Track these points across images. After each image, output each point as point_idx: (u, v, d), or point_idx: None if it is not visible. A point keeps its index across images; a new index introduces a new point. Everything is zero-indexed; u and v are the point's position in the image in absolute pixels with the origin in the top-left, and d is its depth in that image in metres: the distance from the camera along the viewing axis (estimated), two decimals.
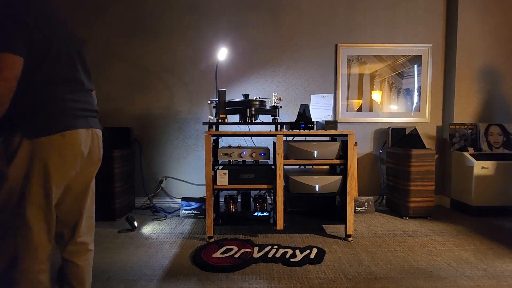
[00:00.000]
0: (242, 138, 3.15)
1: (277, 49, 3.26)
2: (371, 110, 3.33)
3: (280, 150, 2.21)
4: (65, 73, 1.19)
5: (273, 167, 2.28)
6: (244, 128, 2.91)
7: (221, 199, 2.96)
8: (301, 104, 2.35)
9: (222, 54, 3.06)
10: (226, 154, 2.30)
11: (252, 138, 3.18)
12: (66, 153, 1.15)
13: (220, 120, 2.28)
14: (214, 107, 2.47)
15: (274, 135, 2.23)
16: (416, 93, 3.33)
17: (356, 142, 3.16)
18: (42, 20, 1.13)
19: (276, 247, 2.11)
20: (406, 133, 3.09)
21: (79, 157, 1.20)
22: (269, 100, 2.47)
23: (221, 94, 2.27)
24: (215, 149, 2.37)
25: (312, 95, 2.69)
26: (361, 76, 3.31)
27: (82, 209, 1.31)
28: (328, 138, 2.66)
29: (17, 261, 1.13)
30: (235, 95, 3.15)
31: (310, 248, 2.10)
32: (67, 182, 1.21)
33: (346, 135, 2.21)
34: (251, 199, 2.57)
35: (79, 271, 1.31)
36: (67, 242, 1.28)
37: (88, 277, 1.35)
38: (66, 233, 1.28)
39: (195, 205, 2.88)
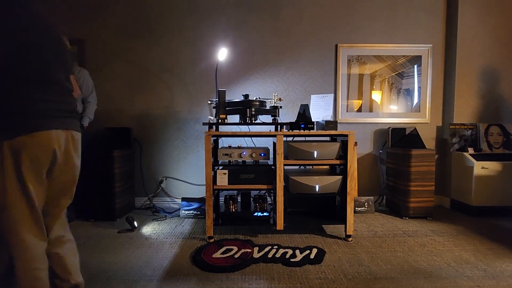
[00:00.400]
0: (242, 138, 3.15)
1: (277, 49, 3.26)
2: (371, 110, 3.33)
3: (280, 150, 2.21)
4: (37, 73, 1.18)
5: (273, 167, 2.28)
6: (244, 128, 2.91)
7: (221, 199, 2.96)
8: (301, 104, 2.35)
9: (222, 54, 3.06)
10: (226, 154, 2.30)
11: (252, 138, 3.18)
12: (37, 154, 1.15)
13: (220, 120, 2.28)
14: (214, 107, 2.48)
15: (274, 135, 2.23)
16: (416, 93, 3.33)
17: (356, 142, 3.16)
18: (13, 20, 1.13)
19: (276, 247, 2.11)
20: (406, 133, 3.09)
21: (52, 158, 1.21)
22: (269, 100, 2.47)
23: (221, 94, 2.27)
24: (215, 149, 2.37)
25: (312, 95, 2.69)
26: (361, 76, 3.31)
27: (58, 212, 1.33)
28: (328, 138, 2.66)
29: (14, 260, 1.15)
30: (235, 95, 3.15)
31: (310, 248, 2.10)
32: (45, 180, 1.22)
33: (346, 135, 2.21)
34: (251, 199, 2.57)
35: (62, 260, 1.31)
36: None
37: (73, 265, 1.36)
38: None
39: (195, 205, 2.88)
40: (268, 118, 2.61)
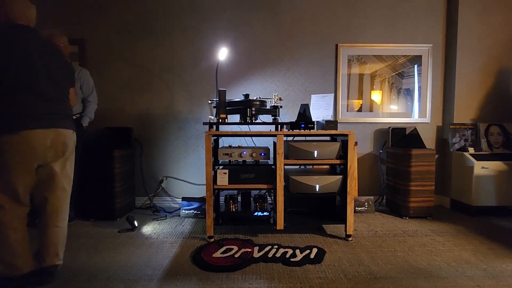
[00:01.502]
0: (243, 138, 3.15)
1: (278, 48, 3.26)
2: (371, 110, 3.33)
3: (281, 150, 2.21)
4: (25, 84, 1.49)
5: (273, 167, 2.28)
6: (244, 128, 2.91)
7: (221, 199, 2.96)
8: (301, 104, 2.35)
9: (223, 54, 3.06)
10: (227, 154, 2.30)
11: (253, 138, 3.18)
12: (23, 149, 1.47)
13: (220, 120, 2.28)
14: (214, 107, 2.48)
15: (275, 135, 2.23)
16: (416, 93, 3.33)
17: (356, 142, 3.16)
18: (11, 47, 1.48)
19: (276, 247, 2.11)
20: (406, 133, 3.09)
21: (38, 151, 1.51)
22: (270, 100, 2.47)
23: (221, 94, 2.27)
24: (215, 149, 2.38)
25: (312, 95, 2.70)
26: (361, 76, 3.31)
27: (48, 195, 1.62)
28: (328, 138, 2.66)
29: None
30: (235, 95, 3.16)
31: (310, 248, 2.10)
32: (31, 168, 1.53)
33: (346, 135, 2.21)
34: (251, 199, 2.57)
35: (45, 241, 1.64)
36: (40, 214, 1.64)
37: (54, 248, 1.65)
38: (39, 209, 1.64)
39: (196, 205, 2.88)
40: (268, 118, 2.61)
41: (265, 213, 2.38)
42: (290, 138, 2.73)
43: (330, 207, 2.57)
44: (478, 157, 2.87)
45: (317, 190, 2.22)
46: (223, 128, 3.00)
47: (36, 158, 1.53)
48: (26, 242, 1.59)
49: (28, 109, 1.49)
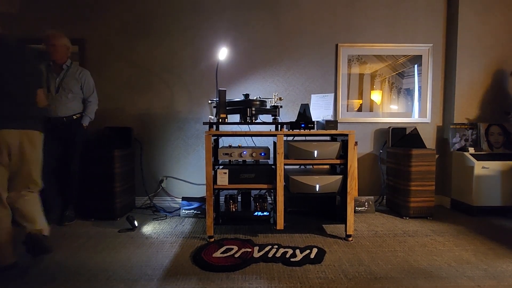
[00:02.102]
0: (243, 137, 3.15)
1: (278, 48, 3.26)
2: (371, 110, 3.33)
3: (281, 150, 2.21)
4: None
5: (273, 167, 2.28)
6: (244, 128, 2.91)
7: (222, 198, 2.95)
8: (301, 104, 2.35)
9: (223, 53, 3.06)
10: (227, 154, 2.30)
11: (253, 137, 3.18)
12: None
13: (220, 120, 2.28)
14: (214, 107, 2.48)
15: (275, 135, 2.23)
16: (416, 93, 3.33)
17: (356, 142, 3.16)
18: None
19: (276, 246, 2.11)
20: (406, 133, 3.09)
21: (3, 150, 1.67)
22: (270, 100, 2.47)
23: (221, 94, 2.27)
24: (215, 149, 2.37)
25: (312, 95, 2.70)
26: (361, 75, 3.31)
27: (20, 187, 1.79)
28: (328, 138, 2.66)
29: None
30: (235, 95, 3.16)
31: (310, 248, 2.10)
32: (2, 165, 1.70)
33: (347, 135, 2.21)
34: (252, 198, 2.57)
35: (19, 212, 1.78)
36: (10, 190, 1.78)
37: (30, 215, 1.79)
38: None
39: (196, 204, 2.88)
40: (268, 118, 2.61)
41: (265, 213, 2.38)
42: (290, 138, 2.73)
43: (330, 207, 2.57)
44: (479, 157, 2.87)
45: (317, 190, 2.21)
46: (223, 128, 3.00)
47: (3, 157, 1.69)
48: (8, 235, 1.74)
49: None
